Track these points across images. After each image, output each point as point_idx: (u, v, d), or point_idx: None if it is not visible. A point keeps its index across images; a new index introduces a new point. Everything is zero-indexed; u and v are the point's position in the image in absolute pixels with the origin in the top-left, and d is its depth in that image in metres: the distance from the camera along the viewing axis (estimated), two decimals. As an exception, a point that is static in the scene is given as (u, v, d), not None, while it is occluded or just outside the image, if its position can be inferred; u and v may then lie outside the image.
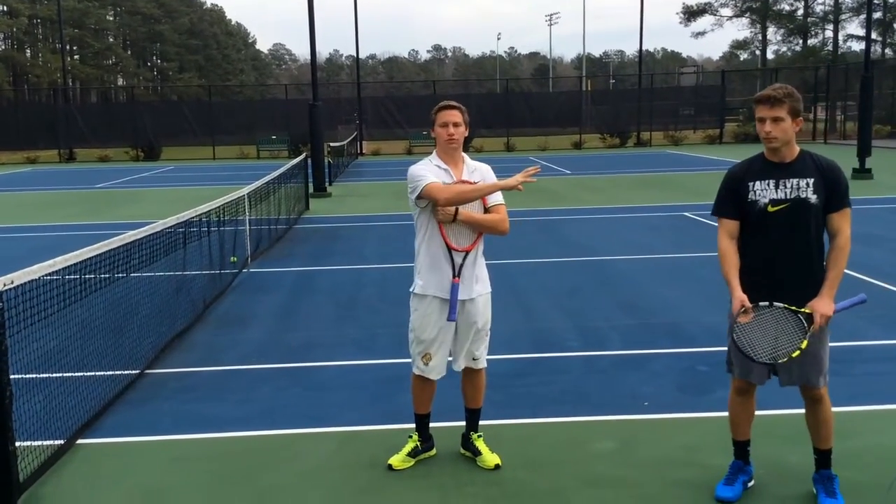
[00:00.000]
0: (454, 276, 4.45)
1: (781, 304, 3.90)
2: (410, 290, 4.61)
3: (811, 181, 3.92)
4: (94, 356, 5.77)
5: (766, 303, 3.92)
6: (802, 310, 3.89)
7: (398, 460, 4.65)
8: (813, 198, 3.90)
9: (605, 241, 12.38)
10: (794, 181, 3.93)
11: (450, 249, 4.45)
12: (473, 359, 4.64)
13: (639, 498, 4.27)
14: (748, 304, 3.91)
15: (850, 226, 3.96)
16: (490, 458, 4.64)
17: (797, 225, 3.93)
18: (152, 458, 4.96)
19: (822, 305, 3.88)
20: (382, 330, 7.59)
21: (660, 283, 9.39)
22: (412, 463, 4.68)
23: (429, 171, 4.47)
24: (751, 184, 3.99)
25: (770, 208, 3.94)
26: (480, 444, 4.72)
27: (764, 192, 3.96)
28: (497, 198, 4.55)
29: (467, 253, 4.49)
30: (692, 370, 6.29)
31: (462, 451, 4.80)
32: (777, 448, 4.70)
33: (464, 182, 4.47)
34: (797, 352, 3.84)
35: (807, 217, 3.92)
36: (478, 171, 4.56)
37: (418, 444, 4.74)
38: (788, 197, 3.92)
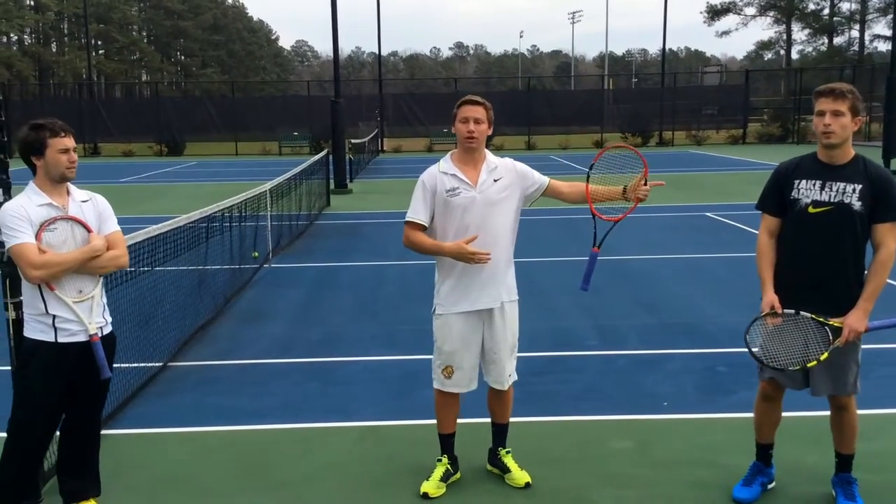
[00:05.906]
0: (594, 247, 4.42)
1: (808, 315, 3.80)
2: (432, 310, 4.41)
3: (858, 187, 3.77)
4: (119, 348, 5.83)
5: (793, 311, 3.83)
6: (831, 322, 3.78)
7: (432, 487, 4.30)
8: (857, 204, 3.76)
9: (625, 240, 12.33)
10: (841, 185, 3.79)
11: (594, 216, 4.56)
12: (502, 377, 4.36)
13: (657, 497, 4.28)
14: (778, 307, 3.84)
15: (895, 240, 3.78)
16: (520, 475, 4.39)
17: (837, 230, 3.79)
18: (174, 448, 5.03)
19: (854, 320, 3.76)
20: (403, 326, 7.63)
21: (680, 283, 9.37)
22: (444, 489, 4.34)
23: (426, 186, 4.29)
24: (796, 181, 3.89)
25: (811, 209, 3.83)
26: (509, 461, 4.46)
27: (808, 191, 3.85)
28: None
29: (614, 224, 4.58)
30: (711, 370, 6.27)
31: (489, 467, 4.55)
32: (796, 449, 4.68)
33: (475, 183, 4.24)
34: (814, 362, 3.77)
35: (848, 224, 3.77)
36: (499, 169, 4.29)
37: (448, 466, 4.42)
38: (832, 200, 3.79)
